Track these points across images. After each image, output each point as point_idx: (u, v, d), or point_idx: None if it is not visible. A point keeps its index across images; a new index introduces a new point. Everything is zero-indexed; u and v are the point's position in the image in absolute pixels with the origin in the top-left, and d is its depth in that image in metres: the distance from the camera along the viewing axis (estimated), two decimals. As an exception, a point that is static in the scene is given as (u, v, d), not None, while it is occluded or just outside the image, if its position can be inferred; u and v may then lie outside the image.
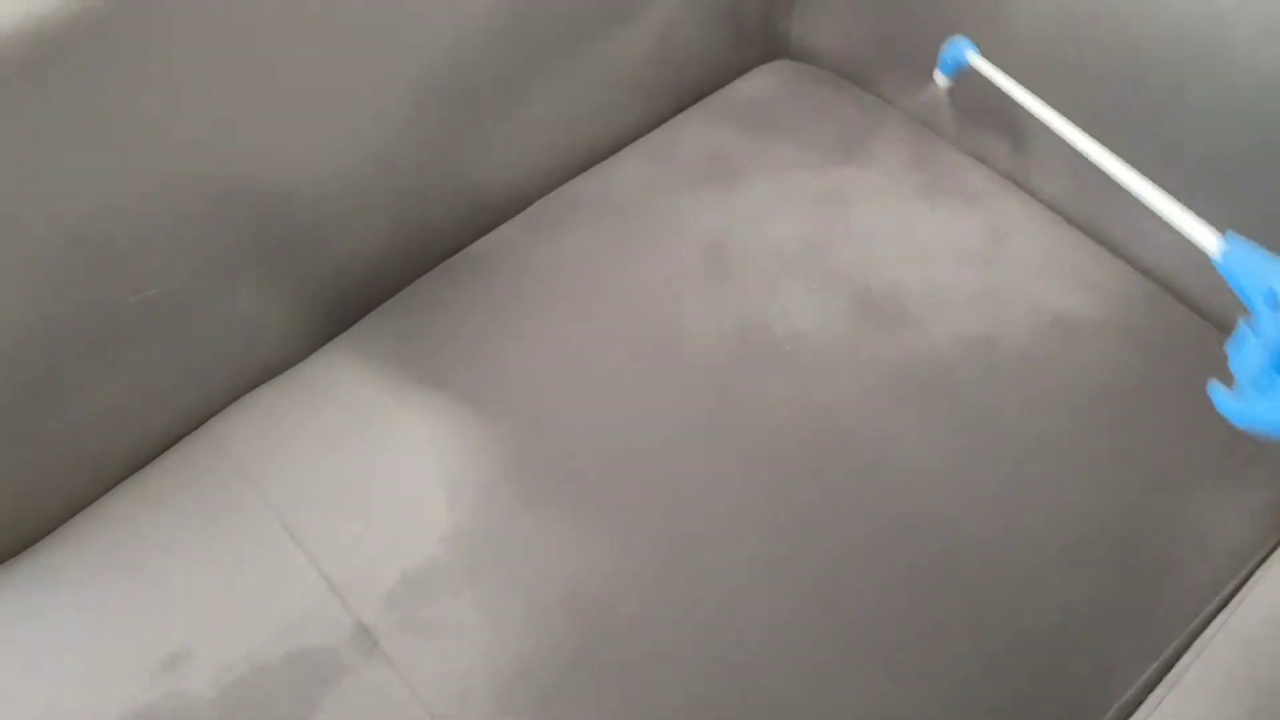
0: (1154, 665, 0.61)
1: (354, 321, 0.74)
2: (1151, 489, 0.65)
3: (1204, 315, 0.72)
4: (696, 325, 0.70)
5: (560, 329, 0.71)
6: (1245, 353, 0.44)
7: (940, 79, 0.67)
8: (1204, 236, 0.47)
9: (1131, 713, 0.58)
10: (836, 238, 0.75)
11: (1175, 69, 0.66)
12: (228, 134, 0.62)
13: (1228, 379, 0.45)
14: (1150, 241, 0.74)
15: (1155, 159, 0.70)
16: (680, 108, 0.86)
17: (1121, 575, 0.63)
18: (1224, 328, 0.72)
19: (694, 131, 0.83)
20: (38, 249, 0.58)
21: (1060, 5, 0.70)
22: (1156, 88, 0.67)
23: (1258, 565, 0.65)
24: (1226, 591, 0.64)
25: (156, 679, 0.58)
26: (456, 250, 0.76)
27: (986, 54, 0.69)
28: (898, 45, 0.83)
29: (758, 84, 0.87)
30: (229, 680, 0.58)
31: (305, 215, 0.68)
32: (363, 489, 0.64)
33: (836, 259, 0.74)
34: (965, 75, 0.68)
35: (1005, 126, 0.78)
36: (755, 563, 0.61)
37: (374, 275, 0.73)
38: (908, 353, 0.69)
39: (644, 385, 0.68)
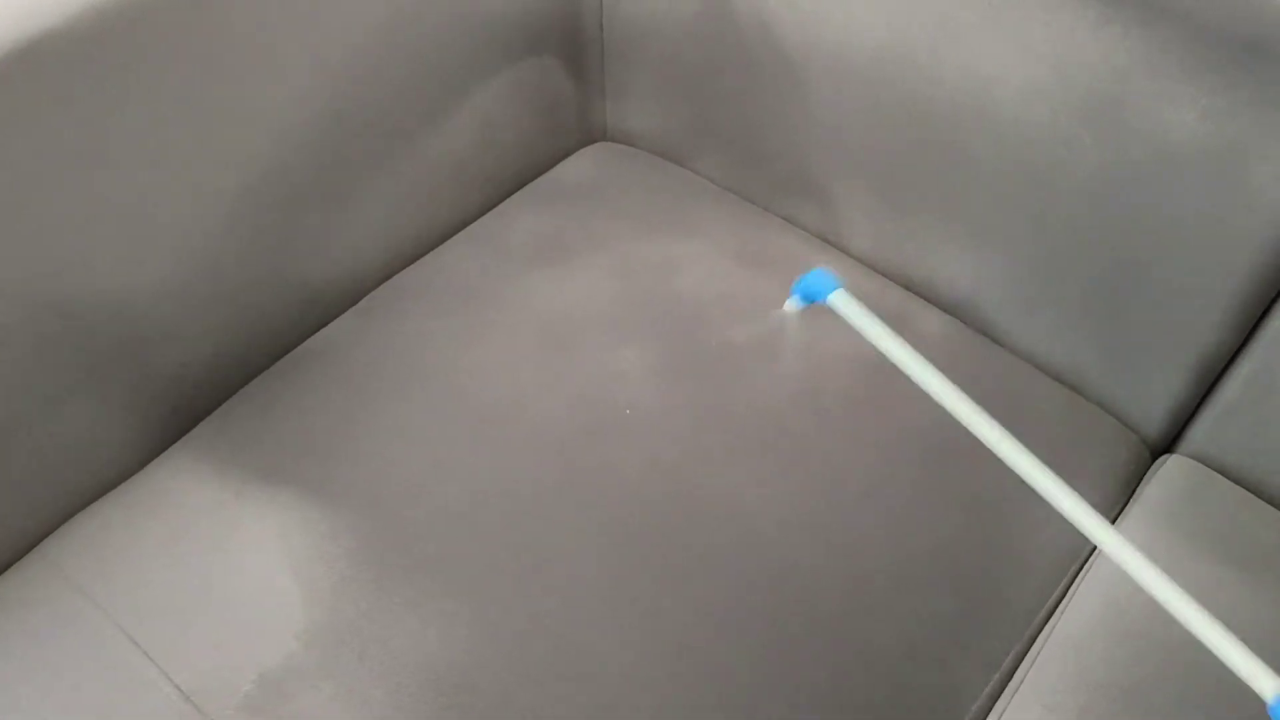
0: (996, 675, 0.65)
1: (191, 427, 0.72)
2: (970, 513, 0.69)
3: (1000, 342, 0.79)
4: (537, 400, 0.72)
5: (398, 416, 0.71)
6: None
7: (791, 305, 0.60)
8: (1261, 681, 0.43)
9: (981, 723, 0.62)
10: (668, 305, 0.78)
11: (954, 129, 0.72)
12: (42, 245, 0.61)
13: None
14: (950, 283, 0.80)
15: (942, 213, 0.76)
16: (506, 194, 0.89)
17: (956, 595, 0.66)
18: (1011, 346, 0.78)
19: (521, 215, 0.86)
20: None
21: (863, 81, 0.75)
22: (940, 146, 0.74)
23: (1079, 570, 0.70)
24: (1053, 599, 0.68)
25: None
26: (292, 347, 0.76)
27: (802, 134, 0.74)
28: (708, 123, 0.88)
29: (579, 167, 0.91)
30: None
31: (132, 325, 0.67)
32: (210, 593, 0.62)
33: (668, 325, 0.77)
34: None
35: (812, 191, 0.84)
36: (612, 625, 0.62)
37: (209, 379, 0.73)
38: (743, 408, 0.72)
39: (488, 462, 0.69)
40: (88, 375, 0.66)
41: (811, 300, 0.59)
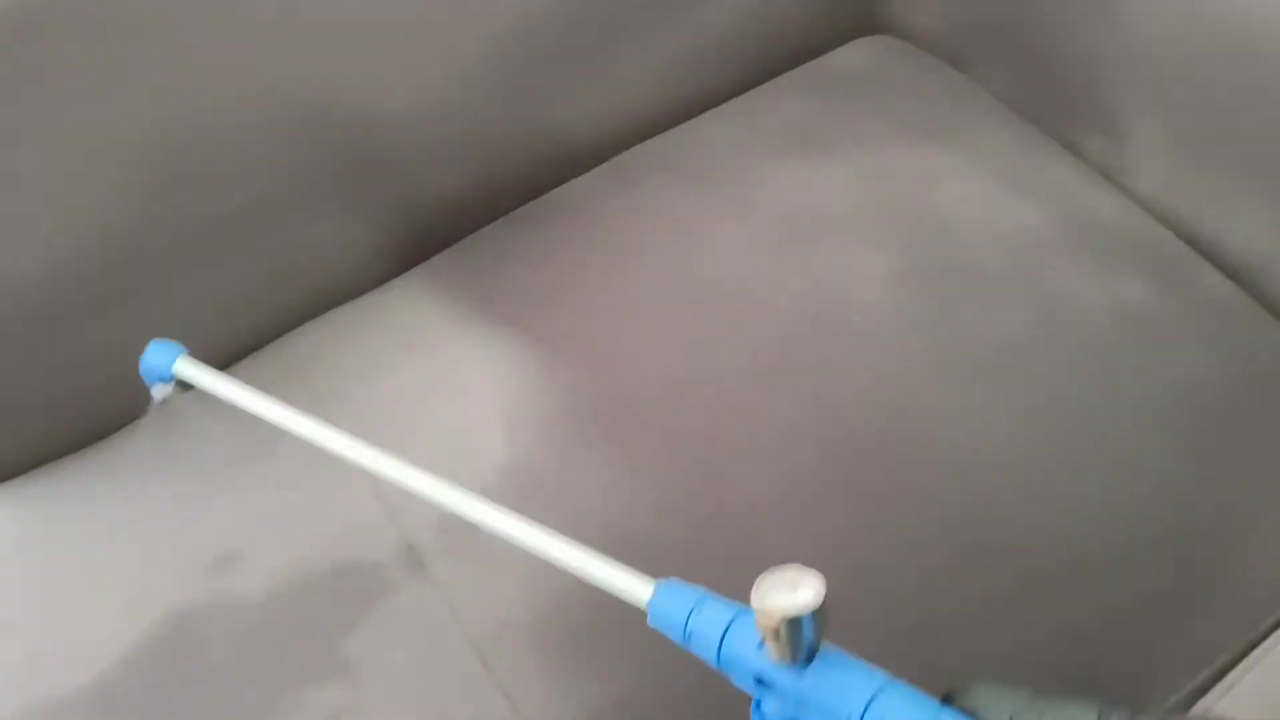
0: (1205, 672, 0.59)
1: (428, 257, 0.74)
2: (1218, 497, 0.63)
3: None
4: (765, 288, 0.69)
5: (626, 280, 0.71)
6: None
7: (157, 391, 0.52)
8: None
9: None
10: (918, 215, 0.73)
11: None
12: (324, 55, 0.63)
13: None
14: (1242, 247, 0.72)
15: (1255, 166, 0.68)
16: (771, 74, 0.85)
17: (1176, 580, 0.61)
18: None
19: (782, 99, 0.82)
20: (131, 155, 0.59)
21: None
22: (1268, 88, 0.65)
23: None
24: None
25: (207, 577, 0.59)
26: (534, 197, 0.76)
27: (1101, 50, 0.66)
28: (998, 27, 0.81)
29: (851, 57, 0.86)
30: (277, 585, 0.59)
31: (390, 146, 0.69)
32: (423, 414, 0.64)
33: (916, 236, 0.72)
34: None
35: (1103, 119, 0.76)
36: (800, 531, 0.60)
37: (451, 213, 0.74)
38: (980, 334, 0.68)
39: (706, 342, 0.67)
40: (341, 188, 0.69)
41: (163, 377, 0.50)
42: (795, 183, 0.75)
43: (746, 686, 0.34)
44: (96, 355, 0.65)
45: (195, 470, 0.64)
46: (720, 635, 0.34)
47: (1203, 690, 0.59)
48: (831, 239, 0.72)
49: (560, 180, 0.77)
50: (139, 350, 0.66)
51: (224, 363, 0.70)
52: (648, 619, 0.38)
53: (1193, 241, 0.74)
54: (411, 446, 0.63)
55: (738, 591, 0.34)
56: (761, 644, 0.32)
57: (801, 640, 0.31)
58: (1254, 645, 0.60)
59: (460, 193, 0.74)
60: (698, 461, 0.62)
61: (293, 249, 0.69)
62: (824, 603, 0.30)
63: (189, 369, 0.48)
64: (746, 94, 0.83)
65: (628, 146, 0.79)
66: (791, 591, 0.30)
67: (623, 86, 0.77)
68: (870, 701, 0.30)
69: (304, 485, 0.62)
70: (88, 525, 0.62)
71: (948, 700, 0.32)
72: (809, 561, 0.29)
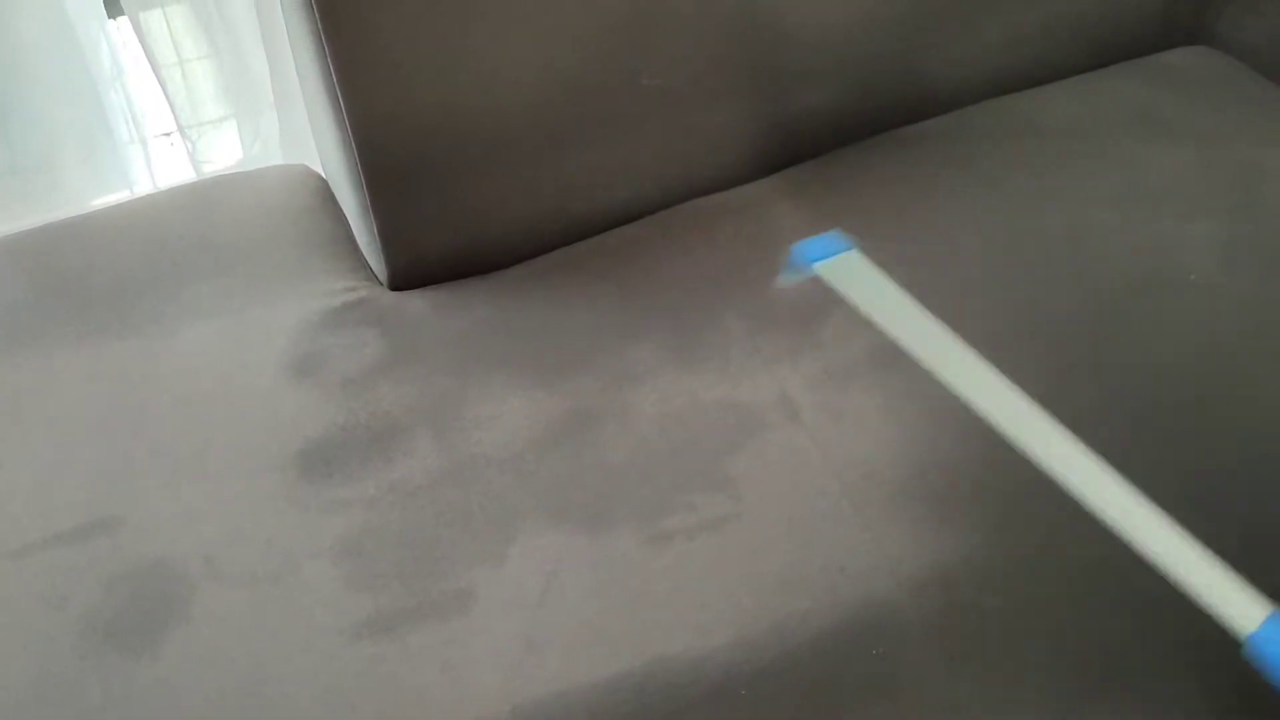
0: None
1: (794, 163, 0.81)
2: None
3: None
4: (1102, 243, 0.74)
5: (971, 216, 0.76)
6: None
7: (790, 275, 0.50)
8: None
9: None
10: (1250, 194, 0.77)
11: None
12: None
13: None
14: None
15: None
16: (1105, 64, 0.90)
17: None
18: None
19: (1124, 83, 0.87)
20: (601, 18, 0.66)
21: None
22: None
23: None
24: None
25: (606, 390, 0.66)
26: (890, 128, 0.82)
27: None
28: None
29: (1184, 58, 0.90)
30: (670, 407, 0.65)
31: (791, 57, 0.75)
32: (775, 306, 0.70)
33: (1246, 212, 0.76)
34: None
35: None
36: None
37: (825, 127, 0.80)
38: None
39: (1041, 290, 0.72)
40: (741, 85, 0.75)
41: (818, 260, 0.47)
42: (1132, 155, 0.79)
43: None
44: (520, 193, 0.72)
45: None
46: None
47: None
48: (1165, 207, 0.76)
49: (914, 119, 0.83)
50: (556, 196, 0.74)
51: (616, 221, 0.77)
52: (1244, 648, 0.34)
53: None
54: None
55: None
56: None
57: None
58: None
59: (833, 111, 0.80)
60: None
61: (689, 132, 0.76)
62: None
63: (834, 269, 0.44)
64: (1088, 73, 0.87)
65: (979, 100, 0.84)
66: None
67: (986, 48, 0.82)
68: None
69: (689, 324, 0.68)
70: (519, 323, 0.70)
71: None
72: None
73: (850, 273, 0.45)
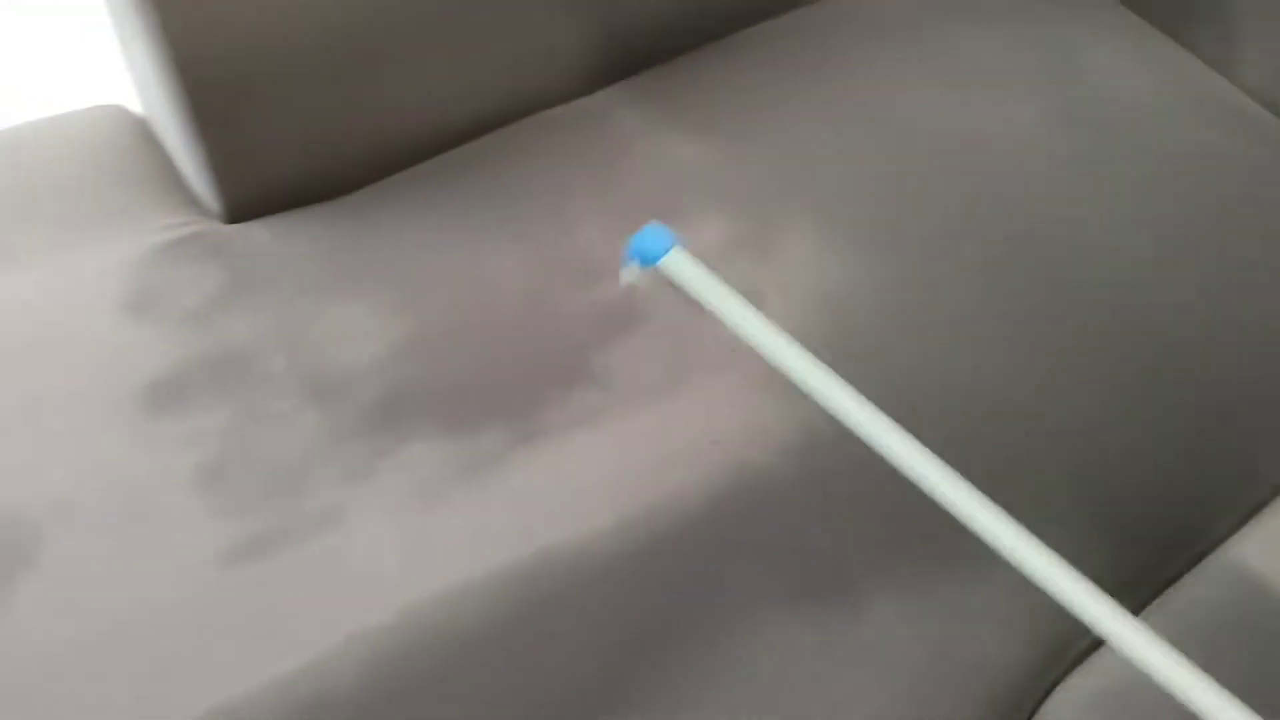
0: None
1: (635, 72, 0.80)
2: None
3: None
4: (931, 122, 0.77)
5: (804, 108, 0.78)
6: None
7: (628, 273, 0.48)
8: None
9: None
10: (1063, 75, 0.82)
11: None
12: None
13: None
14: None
15: None
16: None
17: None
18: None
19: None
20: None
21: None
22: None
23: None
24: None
25: (462, 301, 0.65)
26: (738, 28, 0.83)
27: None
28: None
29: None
30: (534, 312, 0.64)
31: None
32: (631, 209, 0.70)
33: (1062, 92, 0.80)
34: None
35: (1213, 13, 0.85)
36: (982, 331, 0.67)
37: (659, 35, 0.80)
38: (1117, 169, 0.76)
39: (881, 168, 0.74)
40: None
41: (650, 263, 0.47)
42: (957, 39, 0.83)
43: None
44: (354, 111, 0.70)
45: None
46: None
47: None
48: (989, 89, 0.80)
49: (762, 18, 0.83)
50: (376, 121, 0.71)
51: (457, 141, 0.75)
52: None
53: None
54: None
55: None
56: None
57: None
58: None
59: (664, 17, 0.80)
60: (897, 255, 0.69)
61: (521, 43, 0.74)
62: None
63: (677, 264, 0.45)
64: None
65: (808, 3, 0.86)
66: None
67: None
68: None
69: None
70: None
71: None
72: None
73: (685, 267, 0.44)
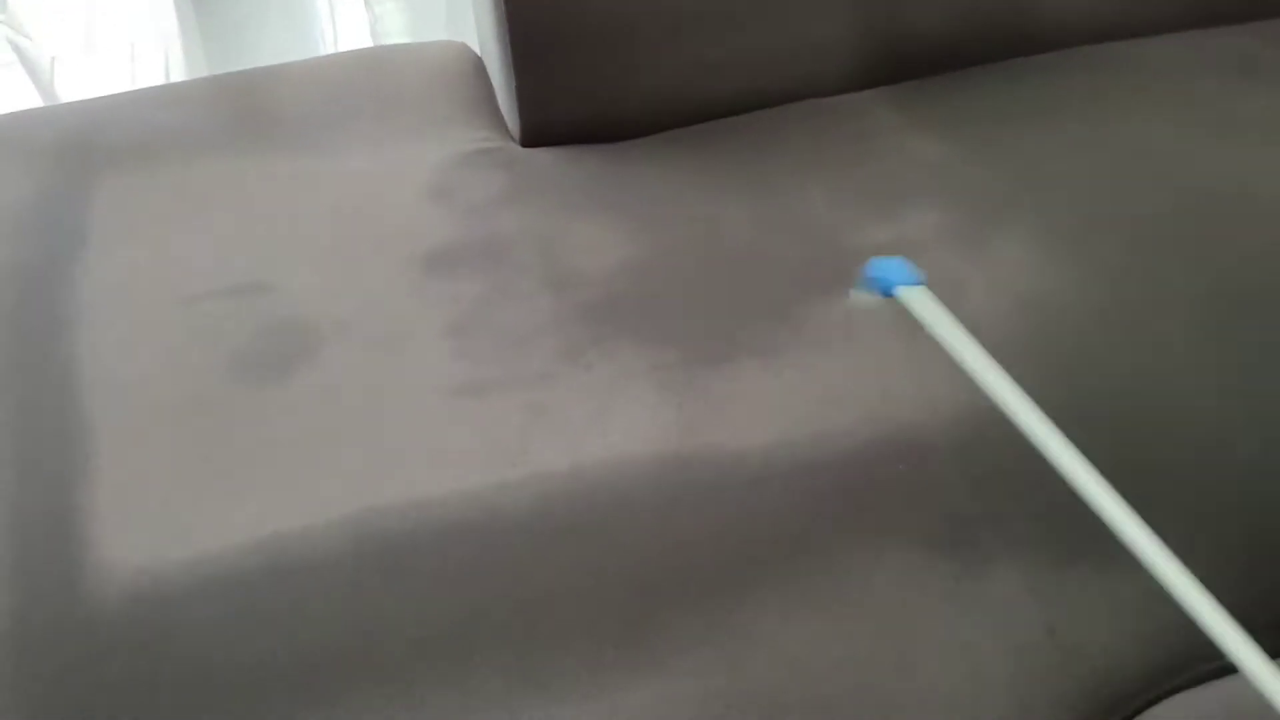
0: None
1: (900, 80, 0.87)
2: None
3: None
4: (1192, 164, 0.77)
5: (1064, 136, 0.80)
6: None
7: (861, 297, 0.47)
8: None
9: None
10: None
11: None
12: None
13: None
14: None
15: None
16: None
17: None
18: None
19: (1223, 38, 0.90)
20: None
21: None
22: None
23: None
24: None
25: (693, 235, 0.73)
26: (995, 60, 0.88)
27: None
28: None
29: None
30: (750, 253, 0.72)
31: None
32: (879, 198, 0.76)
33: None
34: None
35: None
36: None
37: (932, 49, 0.86)
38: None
39: (1129, 196, 0.76)
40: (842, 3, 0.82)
41: (888, 291, 0.46)
42: (1230, 92, 0.82)
43: None
44: (641, 72, 0.81)
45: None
46: None
47: None
48: (1256, 142, 0.79)
49: (1019, 54, 0.88)
50: (666, 76, 0.81)
51: (727, 112, 0.85)
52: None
53: None
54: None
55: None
56: None
57: None
58: None
59: (939, 36, 0.86)
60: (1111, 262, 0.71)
61: (801, 36, 0.83)
62: None
63: (913, 296, 0.44)
64: (1190, 31, 0.91)
65: (1083, 43, 0.89)
66: None
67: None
68: None
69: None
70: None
71: None
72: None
73: (922, 303, 0.44)
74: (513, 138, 0.82)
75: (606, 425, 0.62)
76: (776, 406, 0.63)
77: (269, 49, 1.26)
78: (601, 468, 0.60)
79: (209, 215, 0.74)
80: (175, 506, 0.58)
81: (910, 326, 0.68)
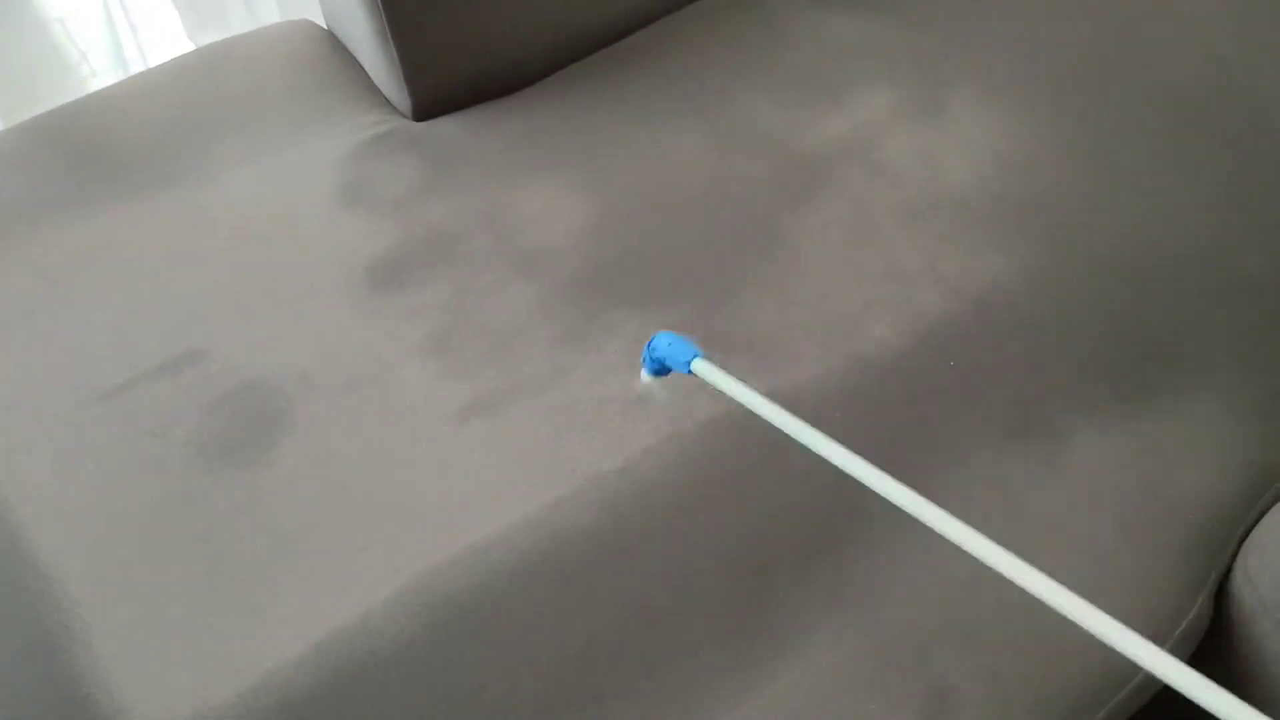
0: None
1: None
2: None
3: None
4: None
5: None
6: None
7: (645, 380, 0.47)
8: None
9: None
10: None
11: None
12: None
13: None
14: None
15: None
16: None
17: None
18: None
19: None
20: None
21: None
22: None
23: None
24: None
25: (647, 178, 0.67)
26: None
27: None
28: None
29: None
30: (715, 183, 0.66)
31: None
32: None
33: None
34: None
35: None
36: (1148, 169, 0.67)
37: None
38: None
39: (1053, 28, 0.74)
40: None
41: (666, 372, 0.46)
42: None
43: None
44: (526, 8, 0.72)
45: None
46: None
47: None
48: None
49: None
50: (554, 8, 0.73)
51: (622, 33, 0.77)
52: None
53: None
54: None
55: None
56: None
57: None
58: None
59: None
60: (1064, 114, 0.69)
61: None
62: None
63: (704, 369, 0.44)
64: None
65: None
66: None
67: None
68: None
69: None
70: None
71: None
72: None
73: (713, 372, 0.43)
74: (403, 114, 0.72)
75: (642, 410, 0.56)
76: (804, 338, 0.59)
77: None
78: (655, 455, 0.55)
79: (89, 286, 0.62)
80: (199, 638, 0.49)
81: (904, 215, 0.65)
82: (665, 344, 0.45)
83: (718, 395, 0.42)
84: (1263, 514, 0.56)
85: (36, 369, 0.58)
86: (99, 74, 1.10)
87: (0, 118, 1.00)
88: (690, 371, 0.44)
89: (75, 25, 1.11)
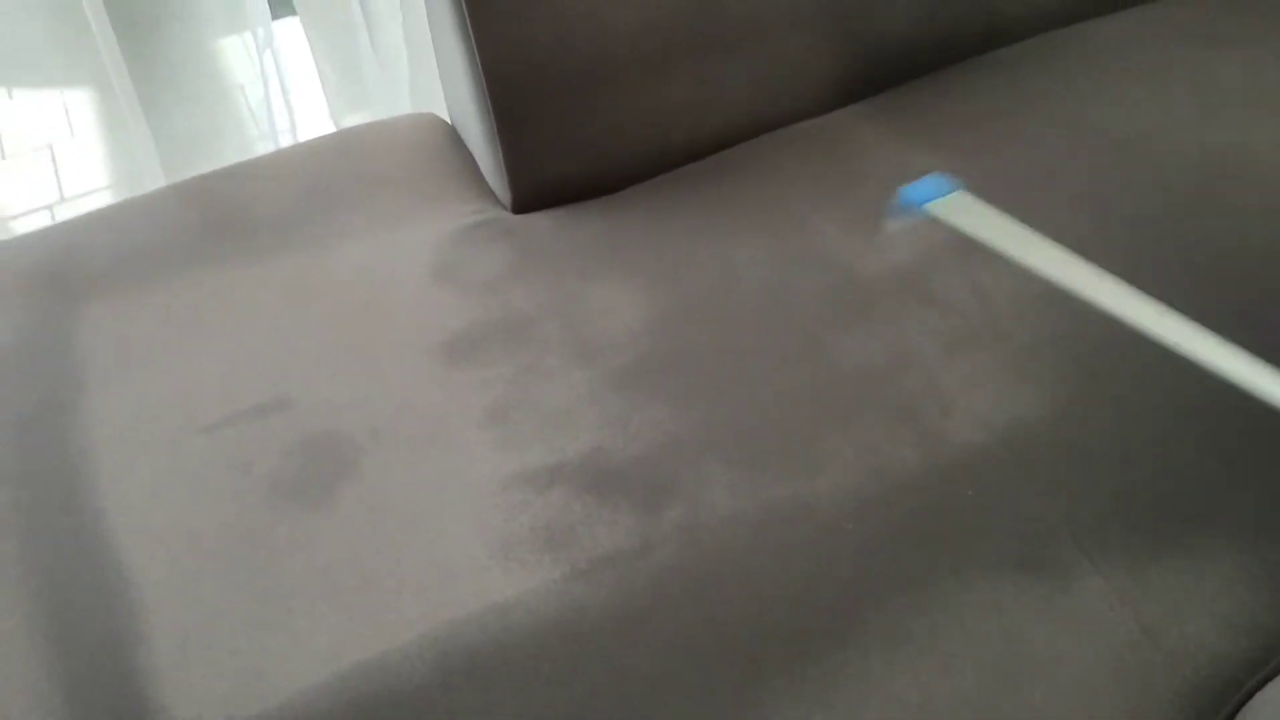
0: None
1: (878, 92, 0.86)
2: None
3: None
4: (1175, 141, 0.78)
5: (1047, 126, 0.80)
6: None
7: (897, 222, 0.46)
8: None
9: None
10: None
11: None
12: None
13: None
14: None
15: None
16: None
17: None
18: None
19: (1181, 10, 0.91)
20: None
21: None
22: None
23: None
24: None
25: (710, 284, 0.72)
26: (963, 58, 0.88)
27: None
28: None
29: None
30: (773, 296, 0.71)
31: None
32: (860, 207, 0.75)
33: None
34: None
35: None
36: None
37: (902, 57, 0.86)
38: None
39: (1119, 183, 0.76)
40: (817, 12, 0.81)
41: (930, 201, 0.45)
42: (1202, 62, 0.83)
43: None
44: (625, 120, 0.79)
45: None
46: None
47: None
48: (1229, 109, 0.80)
49: (986, 48, 0.88)
50: (650, 121, 0.80)
51: (713, 149, 0.83)
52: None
53: None
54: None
55: None
56: None
57: None
58: None
59: (907, 39, 0.85)
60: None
61: (774, 60, 0.82)
62: None
63: (950, 207, 0.43)
64: (1146, 5, 0.92)
65: (1047, 29, 0.89)
66: None
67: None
68: None
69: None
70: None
71: None
72: None
73: (961, 210, 0.43)
74: (504, 206, 0.79)
75: (669, 494, 0.60)
76: (830, 449, 0.62)
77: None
78: (672, 543, 0.58)
79: (207, 333, 0.70)
80: (242, 653, 0.55)
81: (944, 342, 0.68)
82: (920, 185, 0.43)
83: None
84: (1266, 681, 0.56)
85: (151, 401, 0.67)
86: (263, 138, 1.24)
87: (164, 175, 1.13)
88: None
89: (252, 94, 1.25)
